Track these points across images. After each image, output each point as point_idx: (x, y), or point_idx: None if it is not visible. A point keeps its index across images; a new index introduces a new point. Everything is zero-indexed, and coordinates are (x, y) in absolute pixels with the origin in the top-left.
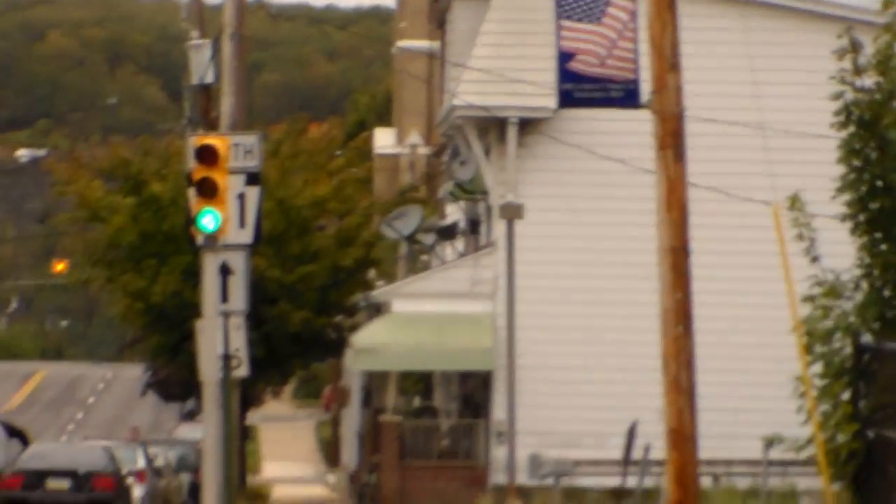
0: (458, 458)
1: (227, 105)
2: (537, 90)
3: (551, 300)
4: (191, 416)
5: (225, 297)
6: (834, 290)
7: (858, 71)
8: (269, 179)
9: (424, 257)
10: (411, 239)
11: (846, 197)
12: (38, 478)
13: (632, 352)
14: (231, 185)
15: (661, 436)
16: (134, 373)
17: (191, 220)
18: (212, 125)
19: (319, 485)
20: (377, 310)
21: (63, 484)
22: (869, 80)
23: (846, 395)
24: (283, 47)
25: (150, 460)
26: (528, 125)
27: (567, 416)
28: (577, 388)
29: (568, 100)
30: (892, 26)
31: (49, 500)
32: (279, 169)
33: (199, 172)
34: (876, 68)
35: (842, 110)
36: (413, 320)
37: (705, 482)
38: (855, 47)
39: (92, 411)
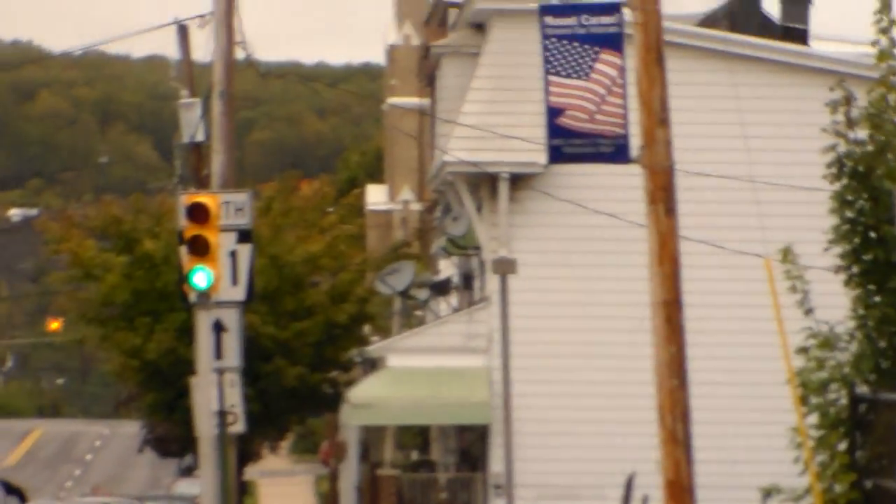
0: None
1: (217, 163)
2: (528, 146)
3: (546, 353)
4: (188, 471)
5: (219, 354)
6: (828, 342)
7: (851, 123)
8: (262, 236)
9: (419, 312)
10: (405, 294)
11: (839, 249)
12: None
13: (628, 404)
14: (223, 242)
15: (659, 487)
16: (131, 429)
17: (183, 278)
18: (203, 183)
19: None
20: (372, 365)
21: None
22: (861, 133)
23: (843, 446)
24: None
25: None
26: (519, 180)
27: (565, 468)
28: (574, 441)
29: (558, 156)
30: (885, 79)
31: None
32: (271, 226)
33: (191, 230)
34: (869, 121)
35: (834, 162)
36: (409, 375)
37: None
38: (848, 100)
39: (90, 468)
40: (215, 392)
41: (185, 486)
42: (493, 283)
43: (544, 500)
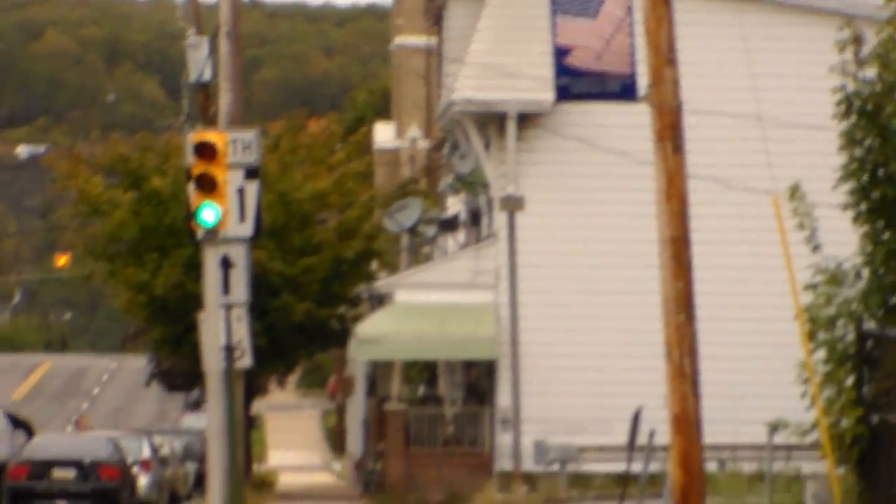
0: (464, 445)
1: (224, 101)
2: (535, 84)
3: (553, 289)
4: (195, 405)
5: (226, 290)
6: (836, 278)
7: (860, 63)
8: (269, 174)
9: (426, 249)
10: (413, 231)
11: (847, 186)
12: (43, 468)
13: (635, 339)
14: (230, 179)
15: (665, 421)
16: (138, 364)
17: (191, 215)
18: (210, 121)
19: (325, 472)
20: (380, 301)
21: (69, 473)
22: (870, 73)
23: (850, 381)
24: (280, 44)
25: (155, 450)
26: (526, 119)
27: (571, 402)
28: (581, 375)
29: (565, 94)
30: (894, 20)
31: (55, 490)
32: (279, 163)
33: (198, 168)
34: (878, 60)
35: (843, 101)
36: (416, 310)
37: (710, 467)
38: (857, 40)
39: (97, 402)
40: (223, 327)
41: (193, 420)
42: (500, 219)
43: (551, 434)
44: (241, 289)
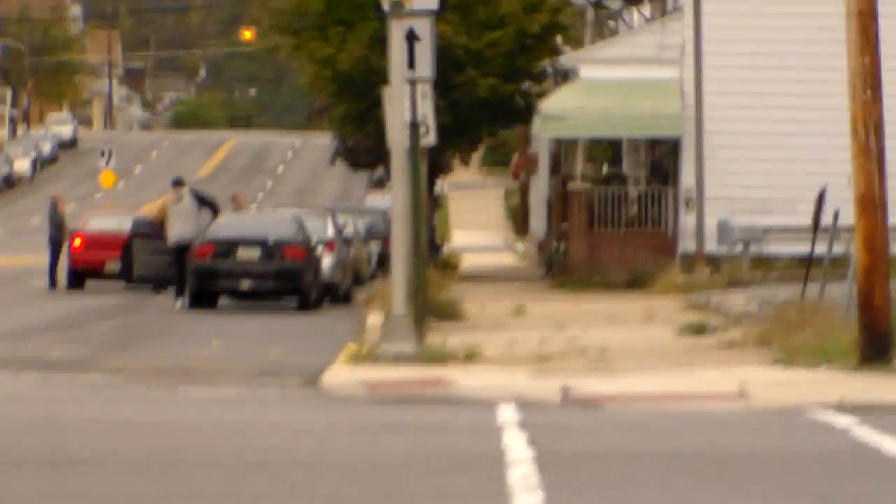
0: (647, 225)
1: None
2: None
3: (739, 66)
4: (379, 184)
5: (412, 64)
6: None
7: None
8: None
9: (611, 23)
10: (598, 4)
11: None
12: (228, 247)
13: (821, 116)
14: None
15: (850, 202)
16: (322, 141)
17: None
18: None
19: (508, 253)
20: (564, 76)
21: (253, 253)
22: None
23: None
24: None
25: (339, 229)
26: None
27: (756, 182)
28: (765, 155)
29: None
30: None
31: (239, 270)
32: None
33: None
34: None
35: None
36: (600, 87)
37: (895, 249)
38: None
39: (281, 180)
40: (407, 103)
41: (376, 199)
42: None
43: (736, 214)
44: (426, 63)
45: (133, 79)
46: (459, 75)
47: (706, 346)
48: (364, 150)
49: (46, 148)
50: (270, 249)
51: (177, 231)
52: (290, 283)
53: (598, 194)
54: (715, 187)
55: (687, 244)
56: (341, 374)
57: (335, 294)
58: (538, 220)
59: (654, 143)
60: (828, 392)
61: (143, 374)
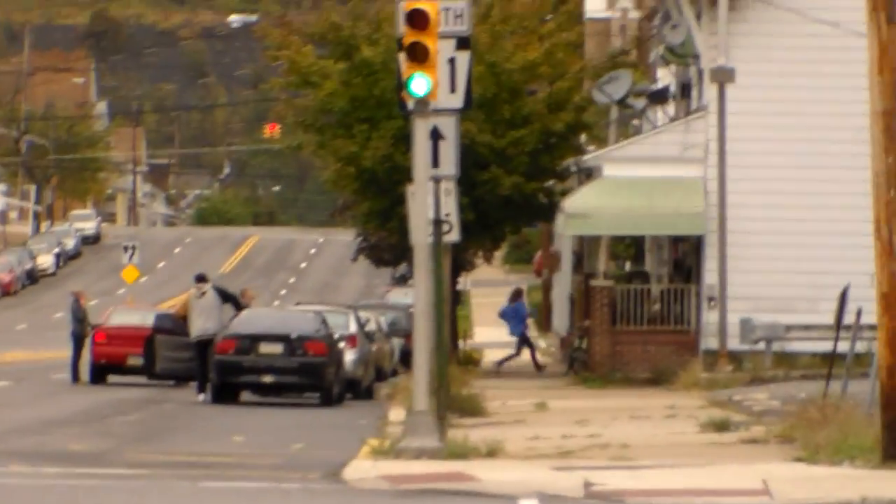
0: (669, 322)
1: None
2: None
3: (762, 164)
4: (402, 280)
5: (436, 162)
6: None
7: None
8: (480, 44)
9: (635, 122)
10: (622, 103)
11: None
12: (250, 342)
13: (844, 215)
14: (441, 49)
15: (873, 300)
16: (345, 238)
17: (401, 85)
18: None
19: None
20: (588, 174)
21: (276, 348)
22: None
23: None
24: None
25: (361, 325)
26: None
27: (778, 280)
28: (788, 253)
29: None
30: None
31: (262, 365)
32: (489, 33)
33: (410, 37)
34: None
35: None
36: (624, 185)
37: None
38: None
39: (304, 276)
40: (431, 200)
41: (399, 295)
42: (710, 92)
43: (757, 312)
44: (450, 161)
45: (157, 175)
46: (483, 173)
47: (729, 442)
48: (387, 247)
49: (70, 243)
50: (293, 344)
51: (199, 326)
52: (312, 377)
53: (620, 291)
54: (737, 285)
55: (709, 341)
56: (363, 468)
57: (357, 389)
58: (560, 317)
59: (677, 241)
60: (850, 489)
61: (165, 468)
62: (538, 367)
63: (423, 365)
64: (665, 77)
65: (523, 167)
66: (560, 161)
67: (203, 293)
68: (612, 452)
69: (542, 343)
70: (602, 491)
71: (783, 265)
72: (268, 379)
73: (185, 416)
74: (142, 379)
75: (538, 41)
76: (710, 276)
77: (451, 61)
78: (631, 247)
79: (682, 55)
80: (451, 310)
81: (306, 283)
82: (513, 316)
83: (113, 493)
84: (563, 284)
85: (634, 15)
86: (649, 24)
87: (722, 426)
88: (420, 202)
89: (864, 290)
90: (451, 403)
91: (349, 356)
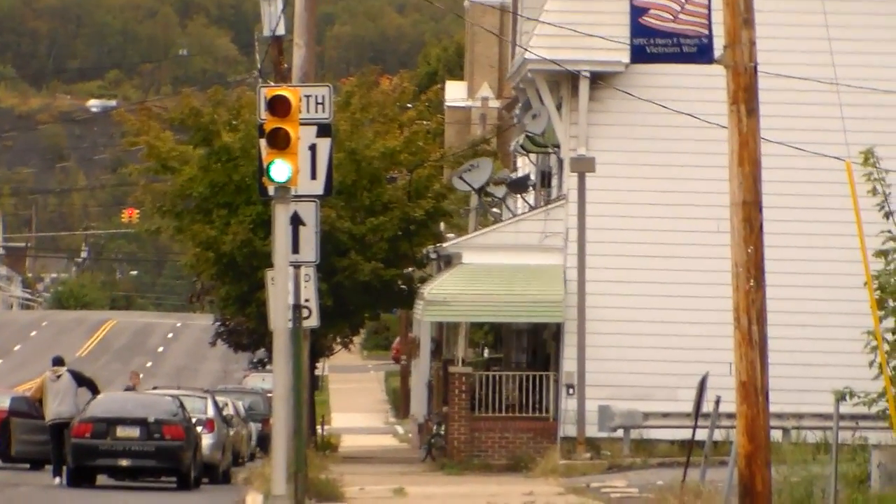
0: (528, 409)
1: (298, 57)
2: (609, 44)
3: (622, 253)
4: (260, 365)
5: (296, 248)
6: None
7: None
8: (341, 131)
9: (495, 210)
10: (482, 191)
11: None
12: (107, 426)
13: (703, 305)
14: (302, 136)
15: (731, 389)
16: (203, 322)
17: (262, 171)
18: (282, 77)
19: (388, 435)
20: (447, 262)
21: (133, 432)
22: None
23: None
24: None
25: (219, 409)
26: (599, 79)
27: (637, 368)
28: (647, 341)
29: (640, 55)
30: None
31: (118, 448)
32: (350, 121)
33: (271, 123)
34: None
35: None
36: (483, 272)
37: (775, 435)
38: None
39: (161, 360)
40: (291, 286)
41: (256, 380)
42: (571, 180)
43: (617, 399)
44: (310, 247)
45: (14, 258)
46: (342, 259)
47: None
48: (245, 332)
49: None
50: (150, 428)
51: (54, 409)
52: (169, 461)
53: (479, 378)
54: (596, 373)
55: (568, 429)
56: None
57: (214, 474)
58: (419, 403)
59: (536, 329)
60: None
61: None
62: None
63: (282, 449)
64: (525, 166)
65: (383, 254)
66: (419, 248)
67: (59, 376)
68: None
69: (399, 429)
70: None
71: (642, 353)
72: (124, 462)
73: (41, 500)
74: None
75: (398, 129)
76: (568, 363)
77: (312, 148)
78: (490, 333)
79: (543, 144)
80: (309, 395)
81: (164, 367)
82: None
83: None
84: (421, 370)
85: (495, 104)
86: (510, 113)
87: None
88: (280, 287)
89: (722, 378)
90: (310, 488)
91: (207, 440)
